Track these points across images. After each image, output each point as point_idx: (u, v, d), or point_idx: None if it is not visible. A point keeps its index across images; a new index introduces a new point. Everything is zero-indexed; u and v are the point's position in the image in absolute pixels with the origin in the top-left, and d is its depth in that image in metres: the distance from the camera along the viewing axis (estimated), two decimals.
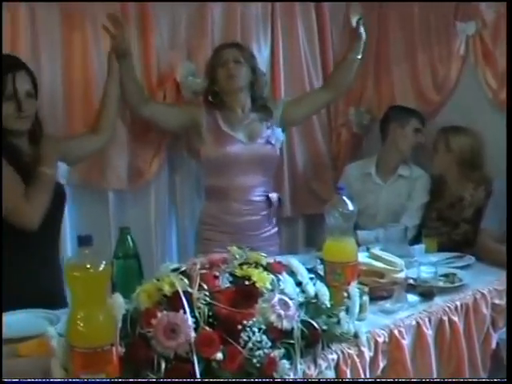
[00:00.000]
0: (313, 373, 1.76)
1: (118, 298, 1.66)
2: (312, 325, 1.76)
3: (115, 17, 2.76)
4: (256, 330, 1.65)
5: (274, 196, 3.14)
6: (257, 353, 1.62)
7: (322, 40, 3.67)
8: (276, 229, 3.20)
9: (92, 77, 2.94)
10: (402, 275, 2.29)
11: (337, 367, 1.83)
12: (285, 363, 1.66)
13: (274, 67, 3.50)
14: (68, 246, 2.88)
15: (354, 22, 3.01)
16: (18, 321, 2.05)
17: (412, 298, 2.25)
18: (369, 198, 3.41)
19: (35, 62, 2.74)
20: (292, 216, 3.68)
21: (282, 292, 1.78)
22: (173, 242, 3.40)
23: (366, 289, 2.09)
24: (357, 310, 1.91)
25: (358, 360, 1.86)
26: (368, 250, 2.57)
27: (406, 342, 2.02)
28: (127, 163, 3.10)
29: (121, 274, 1.97)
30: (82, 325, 1.48)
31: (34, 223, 2.30)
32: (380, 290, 2.23)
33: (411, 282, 2.34)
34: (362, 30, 3.03)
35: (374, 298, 2.18)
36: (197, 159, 3.17)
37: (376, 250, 2.43)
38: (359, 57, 3.12)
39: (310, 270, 2.36)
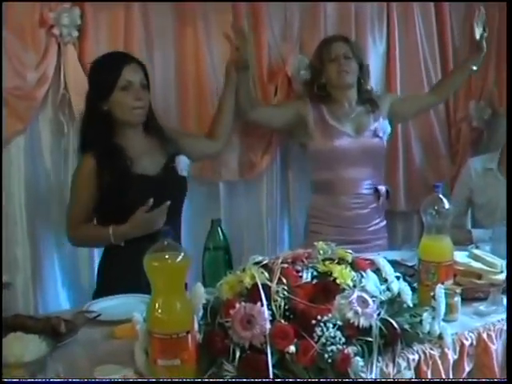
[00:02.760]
0: (391, 371, 1.75)
1: (199, 289, 1.73)
2: (391, 324, 1.76)
3: (240, 28, 2.83)
4: (331, 325, 1.67)
5: (382, 188, 3.12)
6: (329, 348, 1.64)
7: (441, 32, 3.57)
8: (384, 222, 3.18)
9: (204, 73, 3.02)
10: (500, 277, 2.21)
11: (417, 368, 1.81)
12: (359, 360, 1.66)
13: (389, 62, 3.45)
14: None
15: (477, 34, 2.94)
16: (120, 304, 2.18)
17: None
18: (490, 194, 3.30)
19: (149, 58, 2.87)
20: (407, 211, 3.63)
21: (363, 289, 1.78)
22: (285, 235, 3.46)
23: (458, 290, 2.03)
24: (442, 310, 1.87)
25: (439, 361, 1.83)
26: (477, 248, 2.52)
27: (494, 347, 1.96)
28: (238, 155, 3.18)
29: (210, 265, 2.06)
30: (159, 312, 1.58)
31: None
32: (476, 292, 2.18)
33: None
34: (484, 44, 2.95)
35: (471, 299, 2.14)
36: (304, 153, 3.19)
37: (477, 250, 2.37)
38: (476, 68, 3.08)
39: (411, 267, 2.37)
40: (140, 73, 2.52)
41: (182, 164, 2.59)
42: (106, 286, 2.54)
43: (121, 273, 2.47)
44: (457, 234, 2.74)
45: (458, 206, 3.20)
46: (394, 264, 2.20)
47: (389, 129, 3.09)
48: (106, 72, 2.49)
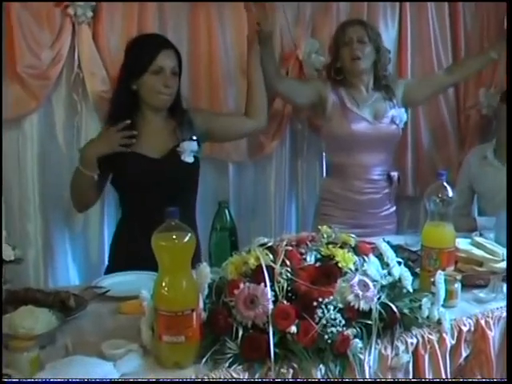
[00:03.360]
0: (389, 354, 1.80)
1: (205, 268, 1.78)
2: (391, 308, 1.80)
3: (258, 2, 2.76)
4: (331, 307, 1.71)
5: (394, 175, 3.14)
6: (329, 330, 1.68)
7: (453, 19, 3.58)
8: (394, 208, 3.21)
9: (217, 54, 3.07)
10: (501, 265, 2.25)
11: (415, 351, 1.86)
12: (358, 342, 1.71)
13: (401, 46, 3.47)
14: None
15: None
16: (128, 281, 2.23)
17: None
18: (488, 181, 3.30)
19: None
20: (414, 196, 3.66)
21: (365, 273, 1.82)
22: (292, 218, 3.51)
23: (459, 276, 2.07)
24: (442, 296, 1.92)
25: (437, 346, 1.88)
26: (481, 235, 2.55)
27: (492, 334, 1.99)
28: (248, 137, 3.18)
29: (216, 246, 2.10)
30: (165, 290, 1.63)
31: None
32: (477, 279, 2.21)
33: None
34: None
35: (471, 285, 2.17)
36: (319, 135, 3.22)
37: (479, 238, 2.41)
38: (496, 57, 3.10)
39: (414, 253, 2.41)
40: (174, 60, 2.54)
41: (186, 149, 2.57)
42: (118, 261, 2.60)
43: (132, 249, 2.50)
44: (462, 221, 2.79)
45: (462, 194, 3.23)
46: (398, 249, 2.26)
47: (405, 117, 3.10)
48: (140, 53, 2.52)
